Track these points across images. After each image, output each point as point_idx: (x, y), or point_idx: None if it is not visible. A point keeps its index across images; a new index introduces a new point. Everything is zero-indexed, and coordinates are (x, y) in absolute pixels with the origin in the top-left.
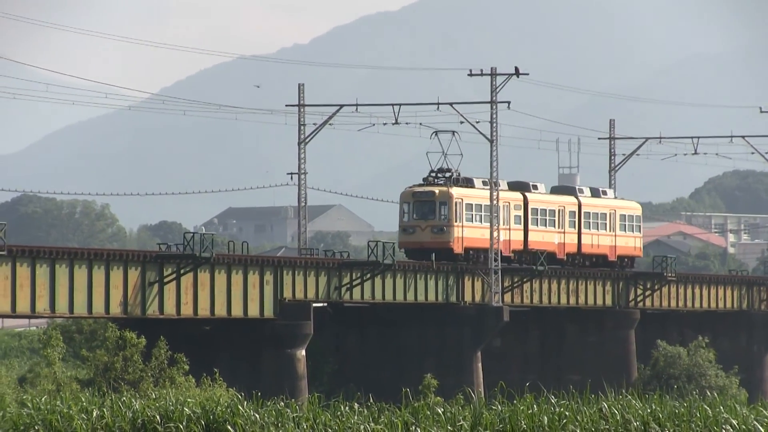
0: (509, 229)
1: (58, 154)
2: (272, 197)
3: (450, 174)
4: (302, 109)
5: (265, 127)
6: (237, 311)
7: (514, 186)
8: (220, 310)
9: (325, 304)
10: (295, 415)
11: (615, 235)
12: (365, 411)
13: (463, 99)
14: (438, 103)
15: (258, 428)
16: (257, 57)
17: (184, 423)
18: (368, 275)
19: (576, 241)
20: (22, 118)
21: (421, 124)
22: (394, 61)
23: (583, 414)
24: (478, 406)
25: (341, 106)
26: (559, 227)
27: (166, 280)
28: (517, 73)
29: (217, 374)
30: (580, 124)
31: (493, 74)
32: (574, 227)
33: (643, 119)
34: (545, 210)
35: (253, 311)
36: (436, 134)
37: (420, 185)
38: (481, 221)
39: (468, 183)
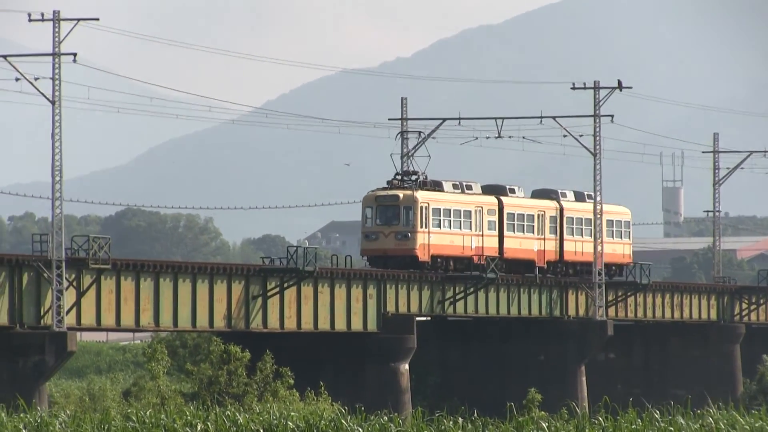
0: (482, 236)
1: (162, 167)
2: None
3: (416, 177)
4: (405, 123)
5: (368, 140)
6: (340, 325)
7: (488, 189)
8: (324, 324)
9: (429, 318)
10: (398, 429)
11: (602, 242)
12: (469, 425)
13: (565, 112)
14: (541, 117)
15: None
16: (360, 70)
17: None
18: (471, 289)
19: (557, 248)
20: (127, 132)
21: (524, 137)
22: (496, 74)
23: (687, 429)
24: (582, 421)
25: (444, 119)
26: (538, 233)
27: (269, 293)
28: (620, 86)
29: (322, 388)
30: (683, 137)
31: (596, 88)
32: (555, 233)
33: (747, 133)
34: (523, 215)
35: (357, 325)
36: (401, 134)
37: (383, 188)
38: (450, 227)
39: (436, 186)
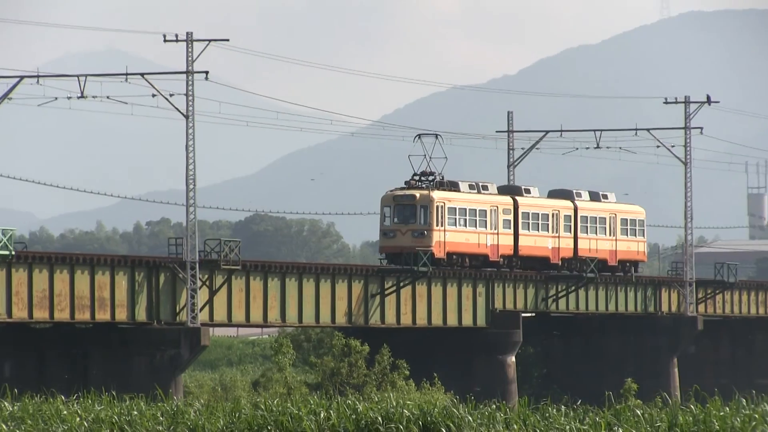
0: (497, 234)
1: (288, 176)
2: None
3: (433, 177)
4: (511, 135)
5: (476, 151)
6: (452, 321)
7: (504, 190)
8: (437, 320)
9: (533, 314)
10: (505, 416)
11: (616, 240)
12: (571, 413)
13: (657, 125)
14: (636, 129)
15: (470, 429)
16: (469, 87)
17: (403, 424)
18: (572, 287)
19: (572, 246)
20: (255, 144)
21: (620, 148)
22: (594, 90)
23: None
24: (674, 409)
25: (547, 131)
26: (553, 231)
27: (387, 292)
28: (708, 101)
29: (437, 378)
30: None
31: (687, 102)
32: (570, 231)
33: None
34: (537, 214)
35: (467, 321)
36: (419, 137)
37: (401, 188)
38: (465, 225)
39: (453, 187)
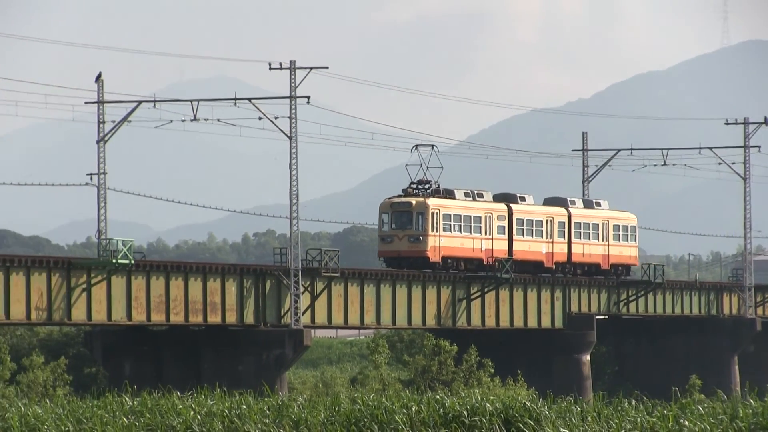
0: (492, 239)
1: (382, 191)
2: None
3: (429, 186)
4: (586, 153)
5: (555, 168)
6: (532, 323)
7: (499, 198)
8: (518, 322)
9: (606, 317)
10: (581, 410)
11: (608, 245)
12: (641, 406)
13: (720, 144)
14: (700, 147)
15: (549, 422)
16: (547, 110)
17: (486, 417)
18: (642, 292)
19: (566, 251)
20: (352, 162)
21: (686, 165)
22: (662, 112)
23: None
24: (735, 403)
25: (618, 150)
26: (547, 237)
27: (472, 296)
28: (765, 121)
29: (520, 375)
30: None
31: (746, 123)
32: (564, 237)
33: None
34: (531, 220)
35: (546, 323)
36: (416, 147)
37: (398, 196)
38: (460, 231)
39: (448, 194)
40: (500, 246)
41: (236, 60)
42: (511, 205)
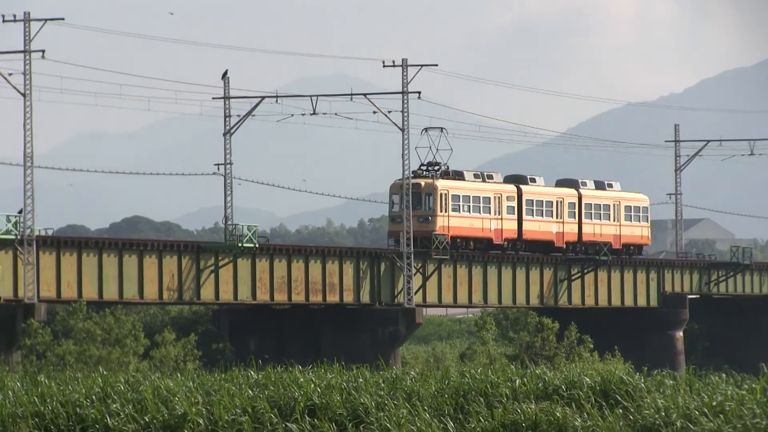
0: (501, 219)
1: None
2: (655, 212)
3: (438, 167)
4: (678, 145)
5: (649, 158)
6: (629, 301)
7: (509, 179)
8: (616, 301)
9: (698, 296)
10: (673, 383)
11: (620, 225)
12: (731, 379)
13: None
14: None
15: (644, 393)
16: (641, 103)
17: (584, 390)
18: (731, 273)
19: (576, 231)
20: (460, 154)
21: None
22: (749, 105)
23: None
24: None
25: (708, 141)
26: (557, 217)
27: (573, 277)
28: None
29: (617, 351)
30: None
31: None
32: (574, 217)
33: None
34: (541, 201)
35: (642, 301)
36: (426, 131)
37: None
38: (469, 211)
39: (458, 176)
40: (510, 226)
41: (352, 58)
42: (521, 186)
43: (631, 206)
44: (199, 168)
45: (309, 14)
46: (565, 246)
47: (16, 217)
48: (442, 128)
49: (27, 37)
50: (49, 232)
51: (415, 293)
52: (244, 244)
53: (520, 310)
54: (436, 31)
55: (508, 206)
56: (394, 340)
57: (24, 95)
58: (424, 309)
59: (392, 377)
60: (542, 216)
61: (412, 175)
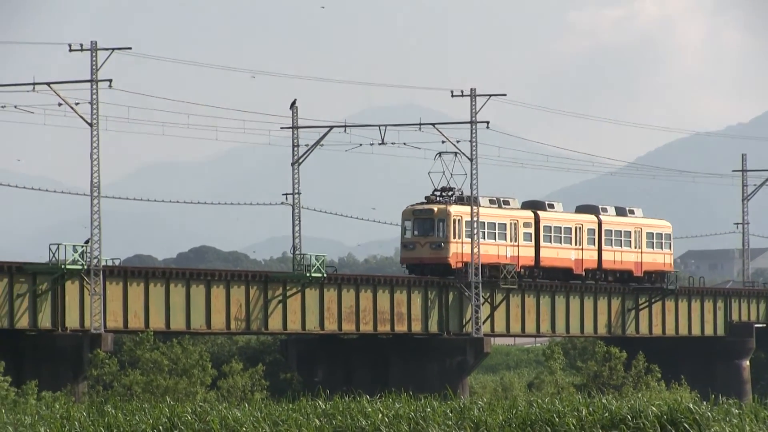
0: (517, 246)
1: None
2: (722, 241)
3: (452, 193)
4: (745, 174)
5: (716, 188)
6: (696, 330)
7: (527, 205)
8: (683, 330)
9: (765, 325)
10: (739, 411)
11: (641, 252)
12: None
13: None
14: None
15: (710, 422)
16: (709, 133)
17: (650, 419)
18: None
19: (596, 257)
20: (529, 183)
21: None
22: None
23: None
24: None
25: None
26: (576, 244)
27: (640, 306)
28: None
29: (684, 380)
30: None
31: None
32: (594, 244)
33: None
34: (560, 227)
35: (708, 331)
36: (440, 155)
37: (421, 203)
38: (484, 238)
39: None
40: (526, 253)
41: (421, 88)
42: (539, 212)
43: (653, 233)
44: (267, 198)
45: (377, 44)
46: (584, 273)
47: (83, 247)
48: (456, 152)
49: (94, 67)
50: (116, 262)
51: (483, 323)
52: (312, 274)
53: (588, 339)
54: (506, 61)
55: (524, 233)
56: (462, 370)
57: (91, 125)
58: (492, 338)
59: (460, 407)
60: (560, 243)
61: (424, 200)
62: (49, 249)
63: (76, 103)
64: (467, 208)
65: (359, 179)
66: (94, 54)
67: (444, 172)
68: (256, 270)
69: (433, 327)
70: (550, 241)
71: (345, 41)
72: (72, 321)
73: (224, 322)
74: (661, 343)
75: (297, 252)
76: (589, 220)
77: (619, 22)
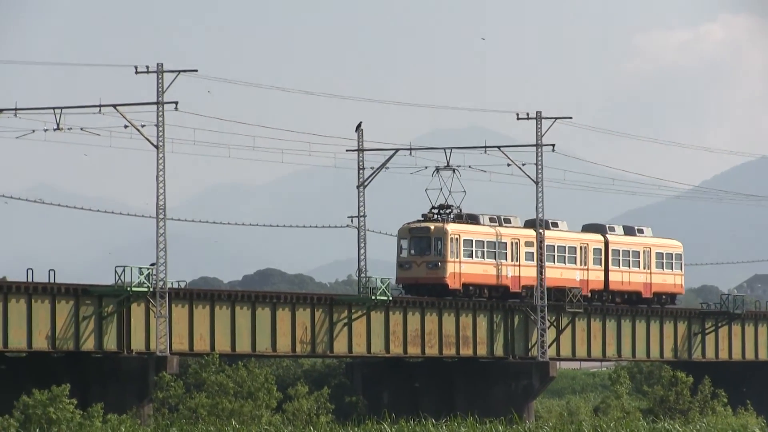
0: (519, 266)
1: None
2: None
3: (450, 211)
4: None
5: None
6: (762, 355)
7: (530, 224)
8: (750, 354)
9: None
10: None
11: (650, 272)
12: None
13: None
14: None
15: None
16: None
17: None
18: None
19: (602, 278)
20: (595, 206)
21: None
22: None
23: None
24: None
25: None
26: (581, 264)
27: (707, 330)
28: None
29: (750, 405)
30: None
31: None
32: (600, 264)
33: None
34: (563, 247)
35: None
36: (437, 171)
37: (417, 221)
38: (483, 257)
39: (472, 219)
40: (528, 273)
41: (486, 110)
42: (542, 231)
43: (663, 253)
44: (332, 220)
45: (442, 66)
46: (590, 294)
47: (148, 269)
48: (454, 169)
49: (160, 89)
50: (182, 285)
51: (549, 346)
52: (378, 297)
53: (654, 363)
54: (572, 83)
55: (526, 252)
56: (527, 394)
57: (157, 147)
58: (557, 362)
59: (526, 431)
60: (564, 263)
61: (421, 218)
62: (115, 271)
63: (142, 126)
64: (465, 227)
65: (425, 202)
66: (160, 76)
67: (441, 188)
68: (321, 293)
69: (499, 350)
70: (554, 261)
71: (410, 63)
72: (137, 343)
73: (290, 345)
74: (728, 367)
75: (362, 275)
76: (594, 239)
77: (685, 45)
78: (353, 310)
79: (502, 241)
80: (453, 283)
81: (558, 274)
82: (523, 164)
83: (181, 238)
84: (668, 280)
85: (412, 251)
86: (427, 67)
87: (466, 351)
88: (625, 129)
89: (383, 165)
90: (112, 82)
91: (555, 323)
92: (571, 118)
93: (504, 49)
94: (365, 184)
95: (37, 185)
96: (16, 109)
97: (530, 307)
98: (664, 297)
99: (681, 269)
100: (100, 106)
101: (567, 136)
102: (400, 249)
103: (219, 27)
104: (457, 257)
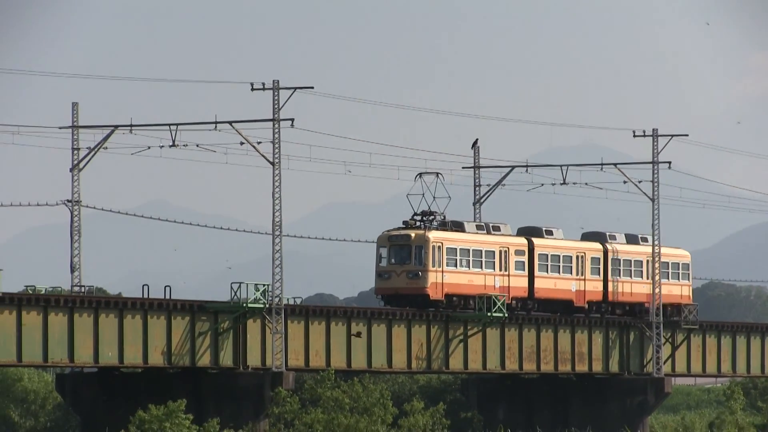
0: (508, 275)
1: (739, 250)
2: None
3: (433, 217)
4: None
5: None
6: None
7: (523, 231)
8: None
9: None
10: None
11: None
12: None
13: None
14: None
15: None
16: None
17: None
18: None
19: (601, 289)
20: (710, 223)
21: None
22: None
23: None
24: None
25: None
26: (578, 274)
27: None
28: None
29: None
30: None
31: None
32: (599, 274)
33: None
34: (558, 256)
35: None
36: (420, 176)
37: (397, 228)
38: (468, 266)
39: (457, 227)
40: (518, 283)
41: (602, 128)
42: (533, 239)
43: (668, 262)
44: None
45: (558, 84)
46: (586, 306)
47: (264, 286)
48: (438, 173)
49: (276, 106)
50: (298, 301)
51: (664, 363)
52: (493, 314)
53: None
54: (689, 100)
55: (516, 261)
56: (642, 410)
57: (273, 164)
58: (672, 378)
59: None
60: (559, 272)
61: (402, 225)
62: (231, 288)
63: (259, 142)
64: (449, 234)
65: (540, 219)
66: (276, 93)
67: (424, 194)
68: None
69: (614, 367)
70: (546, 271)
71: (526, 81)
72: (253, 359)
73: (405, 361)
74: None
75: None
76: (592, 248)
77: None
78: (469, 327)
79: (490, 249)
80: (435, 294)
81: (551, 284)
82: (639, 182)
83: (297, 255)
84: (674, 290)
85: (392, 260)
86: (543, 84)
87: (582, 367)
88: (741, 147)
89: (499, 182)
90: (227, 99)
91: (670, 339)
92: (687, 135)
93: (619, 66)
94: (481, 201)
95: (153, 201)
96: (131, 126)
97: (645, 323)
98: (669, 309)
99: (688, 279)
100: (216, 123)
101: (682, 153)
102: (379, 258)
103: (333, 45)
104: (439, 266)
